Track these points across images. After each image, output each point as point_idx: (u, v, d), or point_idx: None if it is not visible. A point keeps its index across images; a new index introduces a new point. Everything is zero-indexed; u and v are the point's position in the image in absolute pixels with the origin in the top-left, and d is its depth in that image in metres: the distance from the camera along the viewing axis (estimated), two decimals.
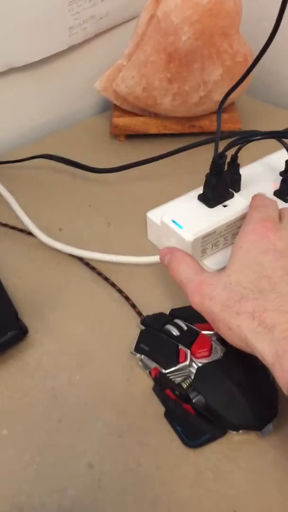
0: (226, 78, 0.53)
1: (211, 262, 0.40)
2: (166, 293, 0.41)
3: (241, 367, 0.32)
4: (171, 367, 0.33)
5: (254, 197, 0.38)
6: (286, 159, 0.44)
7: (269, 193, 0.46)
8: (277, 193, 0.45)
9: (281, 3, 0.35)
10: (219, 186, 0.39)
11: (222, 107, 0.40)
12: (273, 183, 0.46)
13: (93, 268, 0.43)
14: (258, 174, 0.48)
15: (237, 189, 0.46)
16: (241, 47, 0.52)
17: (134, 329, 0.38)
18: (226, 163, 0.44)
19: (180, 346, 0.34)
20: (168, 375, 0.33)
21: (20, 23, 0.53)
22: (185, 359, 0.33)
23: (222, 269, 0.34)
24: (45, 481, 0.31)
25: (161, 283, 0.42)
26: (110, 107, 0.60)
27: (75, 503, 0.30)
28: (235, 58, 0.52)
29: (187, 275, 0.34)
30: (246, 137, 0.41)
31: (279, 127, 0.51)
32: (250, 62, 0.53)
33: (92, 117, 0.64)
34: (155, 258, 0.43)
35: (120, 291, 0.41)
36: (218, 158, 0.38)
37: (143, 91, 0.53)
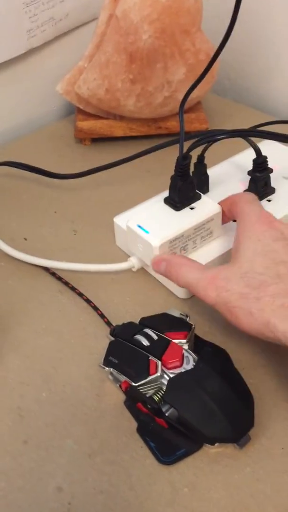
0: (190, 77, 0.51)
1: None
2: (136, 301, 0.40)
3: (214, 376, 0.31)
4: (141, 380, 0.31)
5: (243, 194, 0.39)
6: (253, 158, 0.43)
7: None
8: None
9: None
10: (185, 188, 0.38)
11: (184, 106, 0.39)
12: (241, 182, 0.45)
13: (59, 278, 0.42)
14: (226, 174, 0.47)
15: (206, 190, 0.45)
16: (203, 45, 0.51)
17: (103, 340, 0.36)
18: (193, 164, 0.42)
19: (151, 357, 0.32)
20: (139, 388, 0.31)
21: None
22: (156, 371, 0.31)
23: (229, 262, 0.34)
24: (11, 508, 0.29)
25: (131, 291, 0.41)
26: (74, 111, 0.59)
27: None
28: (198, 56, 0.51)
29: (192, 275, 0.34)
30: (211, 137, 0.40)
31: (248, 125, 0.50)
32: None
33: (57, 121, 0.62)
34: (124, 265, 0.41)
35: (88, 300, 0.39)
36: (182, 159, 0.37)
37: (105, 93, 0.51)
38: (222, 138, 0.39)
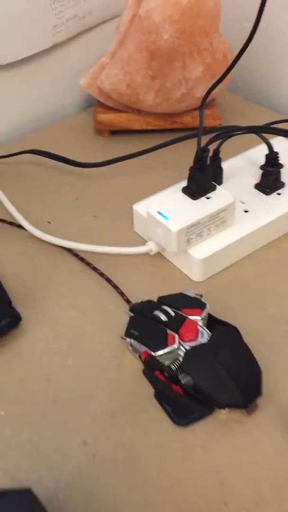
0: (206, 75, 0.54)
1: (196, 251, 0.42)
2: (153, 282, 0.43)
3: (226, 349, 0.34)
4: (160, 350, 0.34)
5: None
6: (265, 153, 0.46)
7: (250, 186, 0.48)
8: (257, 186, 0.47)
9: (260, 3, 0.36)
10: (203, 179, 0.41)
11: (205, 104, 0.42)
12: (254, 176, 0.48)
13: (82, 259, 0.45)
14: (239, 168, 0.50)
15: (220, 182, 0.48)
16: (220, 46, 0.54)
17: (123, 316, 0.40)
18: (209, 158, 0.46)
19: (168, 331, 0.35)
20: (157, 358, 0.35)
21: (2, 22, 0.54)
22: (174, 343, 0.35)
23: None
24: (42, 457, 0.32)
25: (148, 273, 0.44)
26: (94, 104, 0.62)
27: (72, 478, 0.31)
28: (215, 56, 0.54)
29: None
30: (228, 132, 0.43)
31: (258, 123, 0.53)
32: (229, 59, 0.55)
33: (77, 113, 0.65)
34: (142, 249, 0.44)
35: (108, 280, 0.43)
36: (201, 152, 0.40)
37: (126, 88, 0.54)
38: (239, 134, 0.42)
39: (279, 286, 0.42)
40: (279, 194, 0.47)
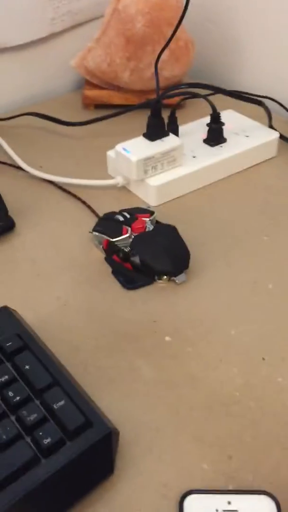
0: (172, 58, 0.68)
1: (151, 180, 0.54)
2: (119, 207, 0.55)
3: (164, 235, 0.46)
4: (116, 237, 0.47)
5: None
6: (210, 113, 0.59)
7: (200, 141, 0.61)
8: (205, 140, 0.60)
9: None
10: (157, 125, 0.54)
11: (158, 62, 0.55)
12: (203, 133, 0.61)
13: (64, 190, 0.58)
14: (192, 128, 0.63)
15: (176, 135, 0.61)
16: (183, 35, 0.67)
17: (93, 224, 0.52)
18: (167, 118, 0.59)
19: (124, 226, 0.48)
20: (115, 243, 0.47)
21: (8, 11, 0.68)
22: (127, 233, 0.47)
23: None
24: (27, 305, 0.44)
25: (115, 200, 0.57)
26: (83, 86, 0.75)
27: (47, 318, 0.44)
28: (178, 43, 0.67)
29: None
30: (176, 88, 0.56)
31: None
32: (190, 47, 0.69)
33: (69, 92, 0.79)
34: (111, 181, 0.57)
35: (84, 202, 0.55)
36: (156, 103, 0.53)
37: (107, 66, 0.68)
38: (183, 90, 0.56)
39: (213, 211, 0.55)
40: (221, 146, 0.60)
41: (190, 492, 0.32)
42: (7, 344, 0.37)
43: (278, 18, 0.70)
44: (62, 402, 0.34)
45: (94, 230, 0.49)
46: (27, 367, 0.36)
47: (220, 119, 0.59)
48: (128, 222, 0.48)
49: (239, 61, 0.79)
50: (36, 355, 0.37)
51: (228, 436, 0.36)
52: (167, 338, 0.42)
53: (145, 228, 0.48)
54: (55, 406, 0.34)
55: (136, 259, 0.46)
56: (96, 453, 0.33)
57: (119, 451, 0.35)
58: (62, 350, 0.41)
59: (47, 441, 0.32)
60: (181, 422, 0.37)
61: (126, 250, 0.47)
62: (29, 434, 0.33)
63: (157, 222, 0.51)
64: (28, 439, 0.33)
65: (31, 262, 0.49)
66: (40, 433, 0.33)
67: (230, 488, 0.33)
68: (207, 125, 0.59)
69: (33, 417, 0.33)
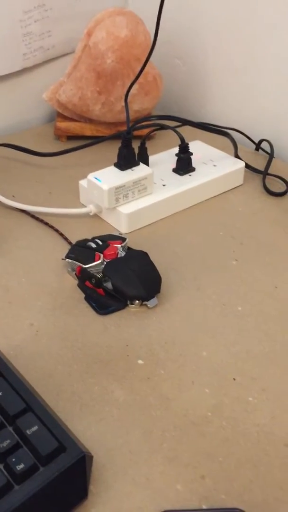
0: (141, 92, 0.70)
1: (123, 208, 0.56)
2: (91, 234, 0.56)
3: (136, 261, 0.47)
4: (89, 263, 0.48)
5: None
6: (179, 143, 0.61)
7: (169, 170, 0.63)
8: (174, 170, 0.62)
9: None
10: (128, 155, 0.56)
11: (128, 95, 0.58)
12: (172, 163, 0.63)
13: (37, 218, 0.58)
14: (162, 158, 0.65)
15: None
16: (151, 70, 0.70)
17: (66, 251, 0.53)
18: (138, 148, 0.60)
19: (96, 252, 0.49)
20: (87, 269, 0.48)
21: None
22: (99, 259, 0.48)
23: None
24: (1, 330, 0.45)
25: (88, 228, 0.58)
26: (55, 117, 0.77)
27: (20, 344, 0.44)
28: (147, 77, 0.70)
29: None
30: (145, 120, 0.58)
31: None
32: (158, 81, 0.72)
33: (42, 125, 0.81)
34: (83, 210, 0.58)
35: (56, 230, 0.56)
36: (127, 134, 0.55)
37: (79, 100, 0.70)
38: (152, 122, 0.58)
39: (184, 237, 0.56)
40: (190, 175, 0.62)
41: None
42: None
43: (242, 56, 0.74)
44: (35, 428, 0.34)
45: (67, 257, 0.50)
46: (0, 393, 0.36)
47: (188, 149, 0.61)
48: (100, 249, 0.49)
49: (205, 95, 0.82)
50: (9, 382, 0.37)
51: (201, 456, 0.36)
52: (139, 361, 0.42)
53: (117, 254, 0.49)
54: (28, 432, 0.34)
55: (109, 285, 0.47)
56: (69, 477, 0.33)
57: (92, 475, 0.35)
58: (35, 376, 0.41)
59: (20, 467, 0.32)
60: (154, 444, 0.37)
61: (99, 276, 0.47)
62: (1, 461, 0.33)
63: (129, 248, 0.52)
64: (1, 466, 0.33)
65: (3, 289, 0.49)
66: (13, 460, 0.33)
67: (204, 507, 0.33)
68: (176, 155, 0.62)
69: (6, 443, 0.33)
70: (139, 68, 0.69)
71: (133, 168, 0.57)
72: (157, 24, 0.54)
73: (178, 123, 0.64)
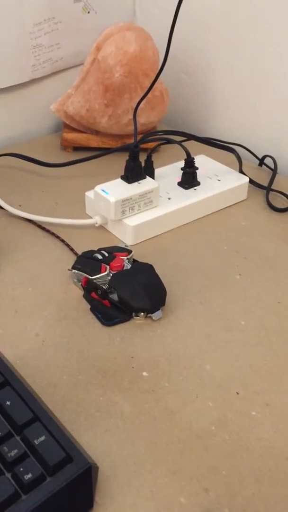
0: (148, 106, 0.72)
1: (129, 220, 0.57)
2: (97, 245, 0.57)
3: (142, 273, 0.48)
4: (95, 275, 0.48)
5: None
6: (185, 157, 0.62)
7: (174, 184, 0.63)
8: (180, 183, 0.63)
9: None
10: (135, 168, 0.57)
11: (137, 111, 0.59)
12: (177, 177, 0.64)
13: (43, 228, 0.59)
14: (167, 172, 0.66)
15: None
16: (158, 85, 0.71)
17: (72, 263, 0.54)
18: (144, 161, 0.61)
19: (102, 264, 0.49)
20: (93, 280, 0.48)
21: None
22: (105, 271, 0.49)
23: None
24: (6, 341, 0.45)
25: (93, 239, 0.58)
26: (61, 127, 0.78)
27: (26, 353, 0.44)
28: (154, 92, 0.71)
29: None
30: (152, 135, 0.59)
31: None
32: (165, 96, 0.73)
33: (48, 135, 0.82)
34: (89, 221, 0.59)
35: (62, 240, 0.57)
36: (134, 147, 0.56)
37: (86, 112, 0.71)
38: (159, 136, 0.59)
39: (188, 250, 0.57)
40: (195, 189, 0.63)
41: None
42: None
43: (246, 72, 0.75)
44: (42, 438, 0.35)
45: (73, 267, 0.50)
46: (8, 403, 0.36)
47: (194, 163, 0.62)
48: (106, 261, 0.50)
49: (210, 110, 0.84)
50: (17, 391, 0.37)
51: (204, 469, 0.37)
52: (144, 374, 0.43)
53: (123, 266, 0.49)
54: (35, 442, 0.34)
55: (114, 296, 0.47)
56: (76, 488, 0.33)
57: (98, 486, 0.35)
58: (41, 386, 0.42)
59: (27, 476, 0.33)
60: (158, 456, 0.37)
61: (105, 287, 0.48)
62: (9, 470, 0.33)
63: (134, 260, 0.53)
64: (9, 475, 0.33)
65: (10, 298, 0.50)
66: (21, 469, 0.33)
67: None
68: (182, 169, 0.62)
69: (13, 453, 0.34)
70: (146, 83, 0.70)
71: (140, 181, 0.58)
72: (169, 42, 0.55)
73: (184, 138, 0.65)
